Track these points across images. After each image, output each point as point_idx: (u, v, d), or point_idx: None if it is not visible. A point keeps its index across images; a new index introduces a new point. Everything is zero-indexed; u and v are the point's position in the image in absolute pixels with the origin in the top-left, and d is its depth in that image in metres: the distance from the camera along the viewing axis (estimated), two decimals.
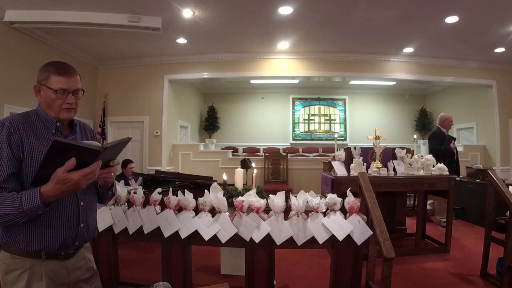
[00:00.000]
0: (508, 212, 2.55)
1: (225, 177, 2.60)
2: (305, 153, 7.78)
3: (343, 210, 2.00)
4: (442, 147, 4.40)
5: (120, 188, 2.23)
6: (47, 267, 1.12)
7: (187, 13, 3.81)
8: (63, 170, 0.96)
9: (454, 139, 4.52)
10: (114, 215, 2.16)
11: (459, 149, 4.57)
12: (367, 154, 3.57)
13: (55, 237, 1.12)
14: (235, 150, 7.41)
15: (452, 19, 3.93)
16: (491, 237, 2.75)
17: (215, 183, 2.31)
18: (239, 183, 2.54)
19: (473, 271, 2.89)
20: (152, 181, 3.56)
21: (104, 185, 1.28)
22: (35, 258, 1.11)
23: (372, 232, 1.93)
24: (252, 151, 7.76)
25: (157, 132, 5.67)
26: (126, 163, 4.52)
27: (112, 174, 1.20)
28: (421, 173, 3.45)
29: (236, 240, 1.96)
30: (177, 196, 2.10)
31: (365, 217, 2.00)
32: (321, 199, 2.03)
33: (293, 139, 8.28)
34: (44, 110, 1.18)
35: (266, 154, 5.96)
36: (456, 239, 3.81)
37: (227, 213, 2.01)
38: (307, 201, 2.01)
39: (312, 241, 1.95)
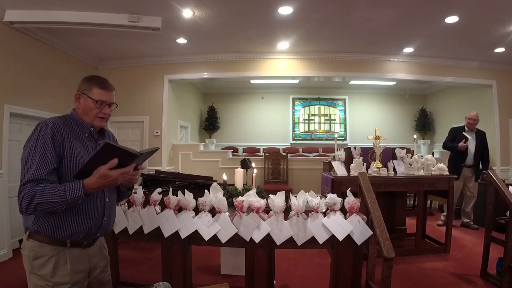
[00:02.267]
0: (508, 212, 2.55)
1: (225, 177, 2.60)
2: (305, 153, 7.77)
3: (343, 210, 2.00)
4: (449, 143, 4.49)
5: None
6: (71, 254, 1.26)
7: (187, 13, 3.81)
8: (106, 168, 1.13)
9: (466, 138, 4.36)
10: None
11: None
12: (367, 154, 3.58)
13: (82, 227, 1.27)
14: (235, 150, 7.41)
15: (452, 19, 3.93)
16: (491, 237, 2.75)
17: (215, 183, 2.31)
18: (239, 183, 2.54)
19: (473, 271, 2.89)
20: (152, 181, 3.56)
21: (126, 185, 1.47)
22: (61, 246, 1.24)
23: (372, 232, 1.93)
24: (252, 151, 7.76)
25: (157, 132, 5.67)
26: None
27: (137, 177, 1.39)
28: (421, 173, 3.45)
29: (236, 240, 1.96)
30: (177, 196, 2.10)
31: (365, 217, 2.00)
32: (321, 199, 2.03)
33: (293, 139, 8.28)
34: (80, 116, 1.35)
35: (266, 154, 5.95)
36: (456, 239, 3.82)
37: (227, 213, 2.01)
38: (307, 201, 2.01)
39: (312, 241, 1.95)
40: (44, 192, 1.12)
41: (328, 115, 8.41)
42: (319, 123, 8.39)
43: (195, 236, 2.01)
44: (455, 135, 4.53)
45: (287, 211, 2.04)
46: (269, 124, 8.26)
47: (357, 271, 1.98)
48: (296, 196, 2.03)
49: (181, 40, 4.80)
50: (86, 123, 1.35)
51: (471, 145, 4.41)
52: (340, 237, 1.91)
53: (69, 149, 1.25)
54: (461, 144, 4.32)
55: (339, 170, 3.38)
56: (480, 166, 4.45)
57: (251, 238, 1.94)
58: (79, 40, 4.64)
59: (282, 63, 5.59)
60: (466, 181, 4.42)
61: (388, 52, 5.36)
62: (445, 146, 4.59)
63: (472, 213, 4.48)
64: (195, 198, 2.10)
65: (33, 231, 1.23)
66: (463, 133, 4.45)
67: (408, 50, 5.18)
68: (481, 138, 4.49)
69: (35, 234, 1.23)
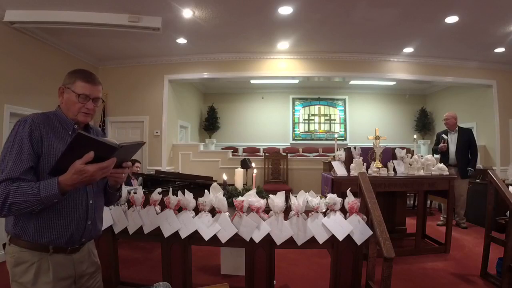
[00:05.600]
0: (508, 212, 2.55)
1: (225, 177, 2.60)
2: (305, 153, 7.77)
3: (343, 210, 2.00)
4: (435, 146, 4.68)
5: None
6: (54, 260, 1.18)
7: (187, 13, 3.81)
8: (81, 162, 1.04)
9: (443, 139, 4.49)
10: (114, 215, 2.16)
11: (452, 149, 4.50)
12: (367, 154, 3.57)
13: (64, 231, 1.19)
14: (235, 150, 7.41)
15: (452, 19, 3.93)
16: (491, 237, 2.75)
17: (215, 183, 2.30)
18: (239, 183, 2.54)
19: (473, 271, 2.89)
20: (152, 181, 3.56)
21: (113, 185, 1.34)
22: (43, 252, 1.17)
23: (372, 232, 1.93)
24: (252, 151, 7.76)
25: (157, 132, 5.67)
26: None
27: (123, 175, 1.26)
28: (421, 173, 3.45)
29: (236, 240, 1.96)
30: (177, 196, 2.11)
31: (365, 217, 2.00)
32: (321, 199, 2.03)
33: (293, 139, 8.28)
34: (64, 112, 1.27)
35: (266, 154, 5.95)
36: (456, 239, 3.82)
37: (227, 213, 2.01)
38: (307, 201, 2.01)
39: (312, 241, 1.95)
40: (18, 192, 1.05)
41: (328, 115, 8.40)
42: (319, 123, 8.39)
43: (195, 236, 2.01)
44: (437, 138, 4.71)
45: (287, 211, 2.04)
46: (269, 124, 8.25)
47: (357, 271, 1.98)
48: (296, 196, 2.03)
49: (181, 40, 4.80)
50: (69, 120, 1.26)
51: (452, 144, 4.48)
52: (340, 237, 1.90)
53: (48, 146, 1.17)
54: (440, 146, 4.49)
55: (339, 170, 3.38)
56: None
57: (251, 238, 1.94)
58: (79, 40, 4.64)
59: (282, 63, 5.59)
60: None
61: (388, 52, 5.36)
62: (433, 152, 4.73)
63: (462, 212, 4.48)
64: (195, 198, 2.10)
65: (13, 235, 1.17)
66: (442, 135, 4.56)
67: (408, 50, 5.18)
68: (464, 136, 4.49)
69: (16, 239, 1.17)
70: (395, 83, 6.49)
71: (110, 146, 1.06)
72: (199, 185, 3.22)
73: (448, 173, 3.52)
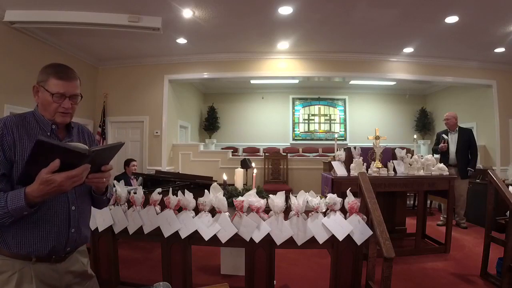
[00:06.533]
0: (508, 212, 2.55)
1: (225, 177, 2.60)
2: (305, 153, 7.77)
3: (343, 210, 2.00)
4: (435, 146, 4.66)
5: (120, 188, 2.23)
6: (37, 269, 1.10)
7: (187, 13, 3.82)
8: (47, 171, 0.94)
9: (444, 139, 4.46)
10: (114, 215, 2.16)
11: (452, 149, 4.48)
12: (367, 154, 3.57)
13: (44, 242, 1.10)
14: (235, 150, 7.41)
15: (452, 19, 3.93)
16: (491, 237, 2.75)
17: (215, 183, 2.31)
18: (239, 183, 2.54)
19: (473, 271, 2.89)
20: (152, 181, 3.56)
21: (98, 190, 1.25)
22: (25, 260, 1.09)
23: (372, 232, 1.93)
24: (252, 151, 7.76)
25: (157, 132, 5.68)
26: (128, 161, 4.54)
27: (104, 180, 1.14)
28: (421, 173, 3.45)
29: (236, 240, 1.96)
30: (177, 196, 2.11)
31: (365, 217, 2.00)
32: (321, 199, 2.03)
33: (293, 139, 8.28)
34: (41, 112, 1.17)
35: (266, 154, 5.95)
36: (456, 239, 3.81)
37: (227, 213, 2.01)
38: (307, 201, 2.01)
39: (312, 241, 1.95)
40: None
41: (328, 115, 8.40)
42: (319, 123, 8.39)
43: (195, 236, 2.01)
44: (437, 138, 4.69)
45: (287, 211, 2.04)
46: (269, 124, 8.25)
47: (357, 271, 1.98)
48: (296, 196, 2.03)
49: (181, 40, 4.80)
50: (47, 120, 1.16)
51: (452, 144, 4.46)
52: (340, 237, 1.91)
53: (22, 152, 1.07)
54: (440, 145, 4.47)
55: (339, 170, 3.38)
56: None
57: (251, 238, 1.94)
58: (79, 40, 4.65)
59: (282, 63, 5.59)
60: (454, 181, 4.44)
61: (388, 52, 5.36)
62: (433, 151, 4.69)
63: (462, 212, 4.47)
64: (195, 198, 2.10)
65: None
66: (442, 135, 4.54)
67: (408, 50, 5.19)
68: (464, 136, 4.46)
69: None
70: (395, 83, 6.49)
71: (77, 153, 0.94)
72: (199, 185, 3.22)
73: (448, 173, 3.52)
